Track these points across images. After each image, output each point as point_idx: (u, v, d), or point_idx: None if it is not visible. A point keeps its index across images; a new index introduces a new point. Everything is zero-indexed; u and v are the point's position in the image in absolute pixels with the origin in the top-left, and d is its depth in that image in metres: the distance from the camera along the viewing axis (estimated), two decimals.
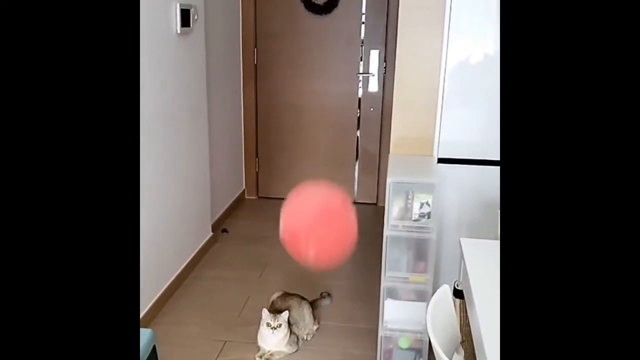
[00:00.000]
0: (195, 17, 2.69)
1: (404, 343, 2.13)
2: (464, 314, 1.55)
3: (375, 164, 3.94)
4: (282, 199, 4.75)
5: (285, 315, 2.11)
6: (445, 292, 1.36)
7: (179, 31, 2.50)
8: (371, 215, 3.80)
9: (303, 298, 2.33)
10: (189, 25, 2.59)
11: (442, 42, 2.18)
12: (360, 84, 3.79)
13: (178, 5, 2.47)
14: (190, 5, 2.61)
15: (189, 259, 2.84)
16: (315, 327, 2.32)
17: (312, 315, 2.30)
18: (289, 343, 2.14)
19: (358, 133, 3.89)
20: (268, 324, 2.08)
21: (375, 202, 4.00)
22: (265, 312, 2.10)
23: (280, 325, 2.08)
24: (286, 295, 2.34)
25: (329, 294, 2.57)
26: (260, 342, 2.14)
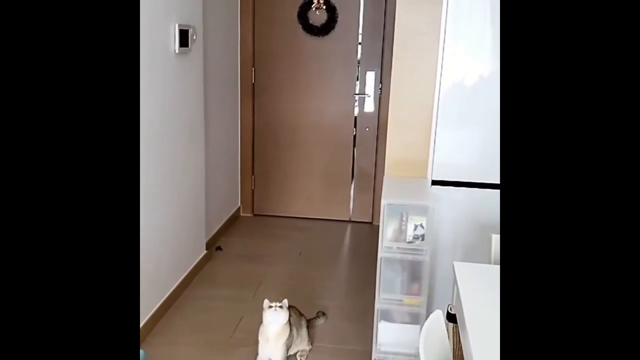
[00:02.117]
0: (194, 38, 2.72)
1: None
2: (457, 339, 1.55)
3: (371, 183, 3.95)
4: (278, 216, 4.71)
5: (285, 302, 2.13)
6: (438, 317, 1.36)
7: (177, 51, 2.52)
8: (366, 234, 3.80)
9: (301, 313, 2.33)
10: (187, 45, 2.62)
11: (436, 64, 2.22)
12: (357, 104, 3.83)
13: (177, 25, 2.50)
14: (189, 26, 2.64)
15: (182, 277, 2.83)
16: (308, 348, 2.31)
17: (307, 332, 2.29)
18: (287, 342, 2.12)
19: (354, 152, 3.91)
20: (270, 306, 2.09)
21: (370, 220, 4.00)
22: (266, 301, 2.12)
23: (281, 307, 2.09)
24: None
25: (324, 314, 2.56)
26: (261, 339, 2.11)
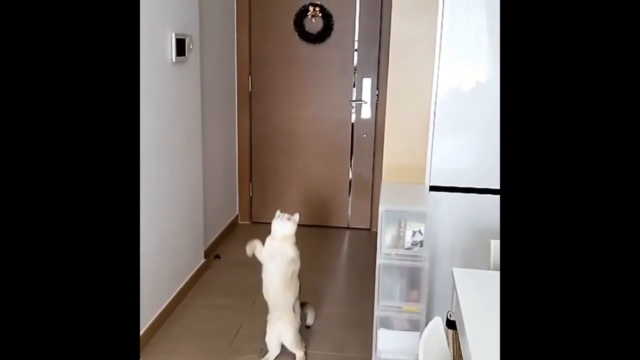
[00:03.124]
0: (191, 47, 2.73)
1: None
2: (457, 345, 1.54)
3: (369, 189, 3.95)
4: None
5: (297, 215, 2.18)
6: (437, 324, 1.36)
7: (174, 60, 2.53)
8: (365, 241, 3.80)
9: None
10: (184, 55, 2.63)
11: (433, 70, 2.23)
12: (353, 111, 3.84)
13: (174, 35, 2.51)
14: (186, 35, 2.65)
15: (181, 286, 2.82)
16: (303, 352, 2.29)
17: (299, 321, 2.30)
18: (296, 249, 2.18)
19: (351, 158, 3.92)
20: (278, 216, 2.16)
21: (369, 227, 4.00)
22: (278, 210, 2.20)
23: (289, 219, 2.15)
24: None
25: (310, 304, 2.58)
26: (268, 239, 2.17)
